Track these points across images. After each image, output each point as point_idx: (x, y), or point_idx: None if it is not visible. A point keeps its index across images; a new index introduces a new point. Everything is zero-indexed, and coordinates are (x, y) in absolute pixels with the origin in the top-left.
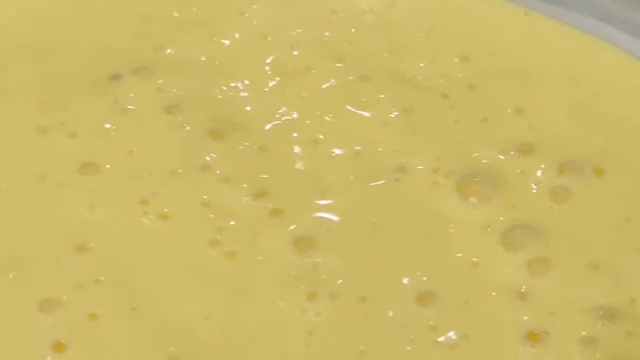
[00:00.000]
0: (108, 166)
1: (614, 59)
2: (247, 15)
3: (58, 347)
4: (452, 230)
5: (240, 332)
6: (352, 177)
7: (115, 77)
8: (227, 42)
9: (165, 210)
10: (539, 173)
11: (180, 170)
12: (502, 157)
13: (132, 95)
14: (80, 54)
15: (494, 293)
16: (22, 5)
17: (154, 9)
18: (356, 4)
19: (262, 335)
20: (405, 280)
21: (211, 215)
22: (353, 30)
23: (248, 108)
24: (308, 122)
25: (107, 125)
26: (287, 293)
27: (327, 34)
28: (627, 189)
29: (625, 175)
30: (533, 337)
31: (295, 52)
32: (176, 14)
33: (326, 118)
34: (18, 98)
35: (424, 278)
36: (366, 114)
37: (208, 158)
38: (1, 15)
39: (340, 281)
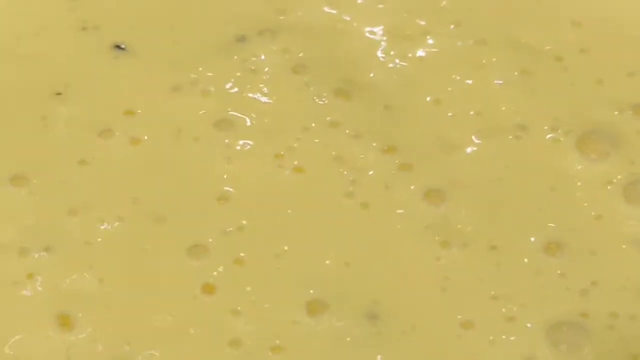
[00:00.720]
0: (241, 122)
1: None
2: None
3: (208, 288)
4: (574, 185)
5: (378, 277)
6: (474, 134)
7: (242, 39)
8: (345, 8)
9: (300, 163)
10: None
11: (313, 125)
12: (618, 116)
13: (258, 56)
14: (207, 17)
15: (621, 245)
16: None
17: None
18: None
19: (400, 280)
20: (532, 231)
21: (343, 169)
22: None
23: (371, 70)
24: (429, 83)
25: (237, 84)
26: (421, 241)
27: (444, 3)
28: None
29: None
30: None
31: (413, 18)
32: None
33: (446, 79)
34: (151, 59)
35: (551, 228)
36: (485, 75)
37: (337, 116)
38: None
39: (470, 230)
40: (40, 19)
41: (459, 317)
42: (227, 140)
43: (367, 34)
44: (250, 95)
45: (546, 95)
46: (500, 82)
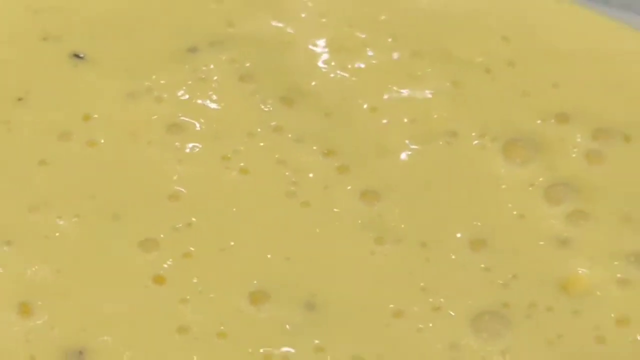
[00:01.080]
0: (191, 127)
1: (636, 40)
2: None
3: (158, 279)
4: (499, 187)
5: (317, 270)
6: (408, 140)
7: (193, 49)
8: (290, 22)
9: (245, 165)
10: (575, 138)
11: (258, 130)
12: (541, 124)
13: (208, 66)
14: (161, 29)
15: (540, 242)
16: None
17: None
18: None
19: (336, 273)
20: (459, 229)
21: (285, 171)
22: (407, 13)
23: (313, 79)
24: (366, 91)
25: (188, 91)
26: (357, 238)
27: (382, 17)
28: None
29: None
30: (572, 279)
31: (354, 31)
32: None
33: (383, 88)
34: (108, 67)
35: (477, 226)
36: (419, 85)
37: (280, 122)
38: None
39: (403, 228)
40: (5, 29)
41: (391, 306)
42: (177, 144)
43: (310, 46)
44: (200, 101)
45: (475, 104)
46: (432, 92)
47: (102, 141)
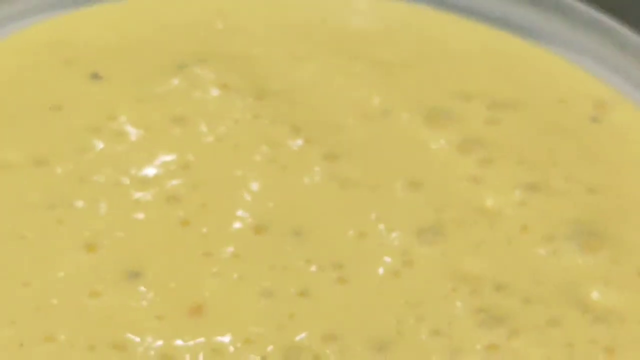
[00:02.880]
0: (192, 117)
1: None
2: None
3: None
4: (425, 147)
5: (299, 209)
6: (354, 117)
7: (183, 66)
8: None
9: (236, 141)
10: (477, 110)
11: (241, 117)
12: (451, 101)
13: (197, 76)
14: (156, 50)
15: (459, 182)
16: (107, 23)
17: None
18: None
19: (313, 210)
20: (400, 176)
21: (266, 145)
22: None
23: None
24: (318, 86)
25: (184, 94)
26: (326, 186)
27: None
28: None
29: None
30: (487, 205)
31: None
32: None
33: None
34: (118, 82)
35: (413, 174)
36: (357, 80)
37: (257, 111)
38: (96, 32)
39: (356, 175)
40: (30, 57)
41: (353, 232)
42: (178, 130)
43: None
44: (194, 101)
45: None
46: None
47: (126, 134)
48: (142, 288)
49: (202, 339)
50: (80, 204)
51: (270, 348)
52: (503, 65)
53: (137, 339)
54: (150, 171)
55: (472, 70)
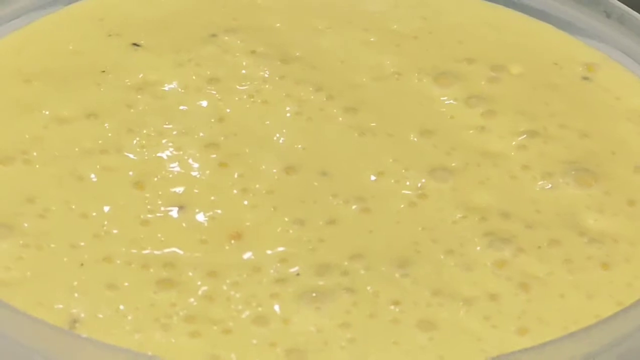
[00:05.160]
0: (225, 79)
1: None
2: None
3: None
4: (435, 101)
5: (325, 154)
6: (370, 78)
7: (214, 35)
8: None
9: (264, 98)
10: (480, 72)
11: (269, 77)
12: (457, 65)
13: (227, 43)
14: (191, 23)
15: (467, 130)
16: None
17: None
18: None
19: (338, 154)
20: (413, 126)
21: (292, 102)
22: None
23: (300, 49)
24: (338, 52)
25: (216, 60)
26: (347, 134)
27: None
28: None
29: None
30: (491, 149)
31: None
32: None
33: (350, 47)
34: (156, 50)
35: (425, 124)
36: (375, 49)
37: (283, 73)
38: (135, 7)
39: (375, 125)
40: (79, 32)
41: (373, 171)
42: (214, 92)
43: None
44: (226, 64)
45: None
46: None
47: (167, 92)
48: (187, 218)
49: (242, 258)
50: (128, 149)
51: (303, 265)
52: (500, 35)
53: (185, 258)
54: (189, 123)
55: (473, 39)
